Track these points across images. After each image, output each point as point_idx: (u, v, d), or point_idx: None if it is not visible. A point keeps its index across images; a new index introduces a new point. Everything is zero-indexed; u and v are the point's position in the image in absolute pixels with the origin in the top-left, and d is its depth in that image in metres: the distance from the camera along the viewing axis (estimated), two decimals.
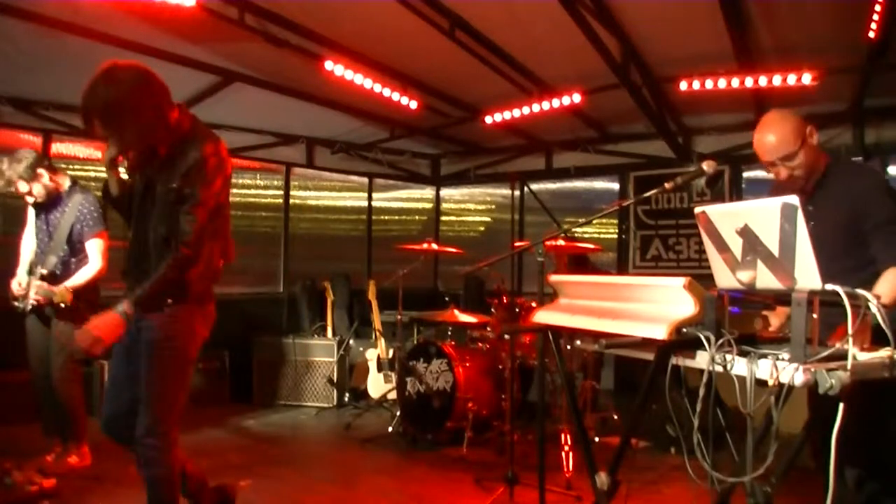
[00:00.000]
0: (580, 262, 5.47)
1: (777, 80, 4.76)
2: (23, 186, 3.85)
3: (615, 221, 7.25)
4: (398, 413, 5.02)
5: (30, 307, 3.89)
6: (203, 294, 2.58)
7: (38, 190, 3.89)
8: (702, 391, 1.80)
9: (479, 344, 5.20)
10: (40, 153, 4.15)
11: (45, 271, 3.88)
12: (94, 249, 3.99)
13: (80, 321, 3.87)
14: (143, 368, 2.47)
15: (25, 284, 3.90)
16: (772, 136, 2.51)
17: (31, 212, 4.07)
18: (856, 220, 2.46)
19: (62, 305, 3.82)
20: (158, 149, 2.48)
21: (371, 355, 5.81)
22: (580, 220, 5.69)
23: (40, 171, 3.88)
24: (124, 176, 2.57)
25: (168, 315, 2.47)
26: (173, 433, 2.52)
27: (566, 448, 3.96)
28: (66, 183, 4.01)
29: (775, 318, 2.32)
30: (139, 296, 2.38)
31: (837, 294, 1.61)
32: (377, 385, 5.71)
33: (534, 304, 4.60)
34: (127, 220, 2.62)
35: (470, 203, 8.55)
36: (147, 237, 2.49)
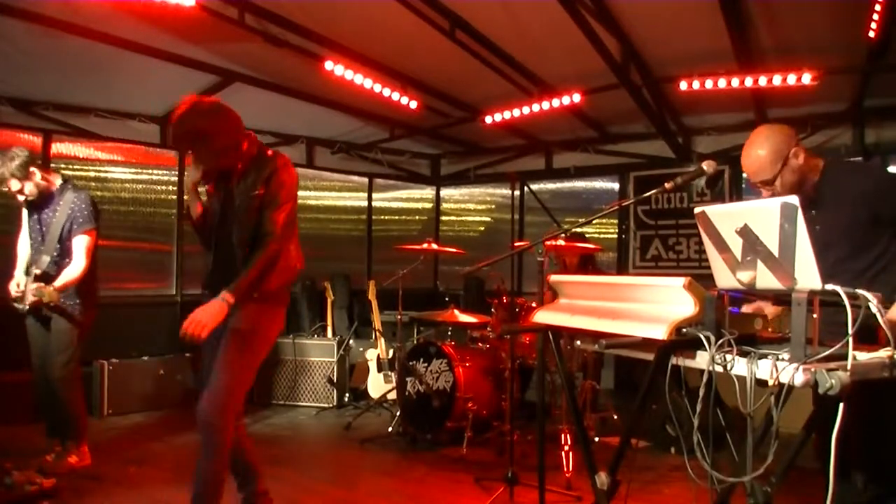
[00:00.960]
0: (586, 262, 5.48)
1: (777, 80, 4.76)
2: (14, 185, 3.80)
3: (615, 221, 7.25)
4: (398, 413, 5.02)
5: (27, 308, 3.87)
6: (281, 295, 2.95)
7: (31, 188, 3.84)
8: (702, 391, 1.80)
9: (479, 344, 5.20)
10: (33, 152, 4.09)
11: (38, 271, 3.86)
12: (80, 247, 3.90)
13: (78, 320, 3.89)
14: (221, 351, 2.77)
15: (23, 285, 3.87)
16: (751, 161, 2.56)
17: (25, 211, 4.04)
18: (865, 219, 2.44)
19: (52, 305, 3.80)
20: (233, 170, 2.88)
21: (371, 355, 5.81)
22: (580, 220, 5.68)
23: (32, 169, 3.83)
24: (203, 198, 2.97)
25: (253, 311, 2.80)
26: (232, 413, 2.79)
27: (566, 448, 3.96)
28: (57, 181, 3.96)
29: (770, 308, 2.30)
30: (237, 285, 2.68)
31: (837, 294, 1.61)
32: (377, 385, 5.71)
33: (534, 304, 4.60)
34: (206, 237, 2.95)
35: (470, 203, 8.55)
36: (231, 245, 2.84)
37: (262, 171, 2.85)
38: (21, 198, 3.89)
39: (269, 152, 2.96)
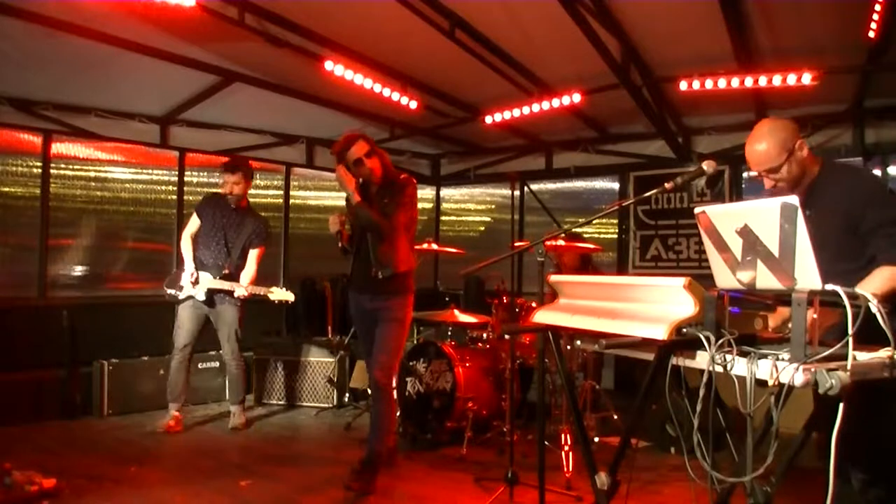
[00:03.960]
0: (585, 263, 5.47)
1: (777, 80, 4.76)
2: None
3: (615, 221, 7.24)
4: (398, 413, 5.02)
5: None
6: (410, 283, 3.98)
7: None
8: (702, 391, 1.80)
9: (479, 344, 5.20)
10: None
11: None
12: None
13: None
14: (380, 333, 3.88)
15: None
16: (757, 149, 2.54)
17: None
18: (853, 222, 2.46)
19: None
20: (371, 188, 3.92)
21: None
22: (580, 220, 5.69)
23: None
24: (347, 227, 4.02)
25: (400, 302, 3.90)
26: (395, 378, 4.01)
27: (566, 448, 3.96)
28: None
29: (772, 321, 2.31)
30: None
31: (837, 294, 1.61)
32: None
33: (534, 304, 4.60)
34: (349, 248, 4.03)
35: (470, 203, 8.55)
36: (368, 254, 3.87)
37: (394, 186, 3.89)
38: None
39: (403, 176, 3.97)
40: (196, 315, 5.06)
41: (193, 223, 5.14)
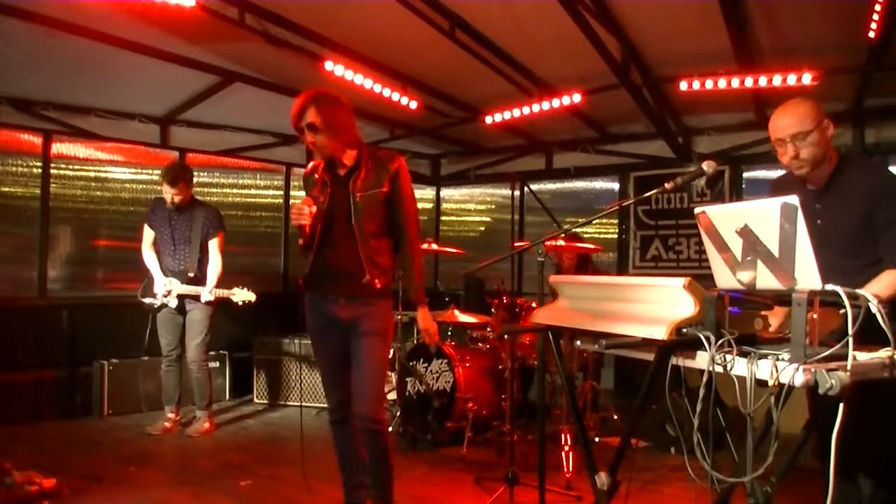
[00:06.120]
0: (585, 263, 5.47)
1: (777, 80, 4.76)
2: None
3: (615, 221, 7.24)
4: (398, 413, 5.02)
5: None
6: (390, 289, 3.05)
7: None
8: (702, 391, 1.80)
9: (479, 344, 5.20)
10: None
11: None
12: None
13: None
14: (366, 357, 2.91)
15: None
16: (789, 114, 2.51)
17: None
18: (869, 217, 2.45)
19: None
20: (341, 166, 2.99)
21: None
22: (580, 220, 5.68)
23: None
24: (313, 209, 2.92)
25: (381, 310, 2.98)
26: (385, 406, 3.09)
27: (566, 448, 3.96)
28: None
29: (774, 319, 2.32)
30: (417, 287, 3.11)
31: (837, 294, 1.61)
32: None
33: (534, 304, 4.60)
34: (309, 240, 2.98)
35: (470, 203, 8.55)
36: (354, 241, 2.90)
37: (383, 168, 2.96)
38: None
39: (384, 153, 3.08)
40: (173, 322, 5.05)
41: (148, 234, 5.10)
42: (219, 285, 4.96)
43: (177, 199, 4.90)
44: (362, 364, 2.90)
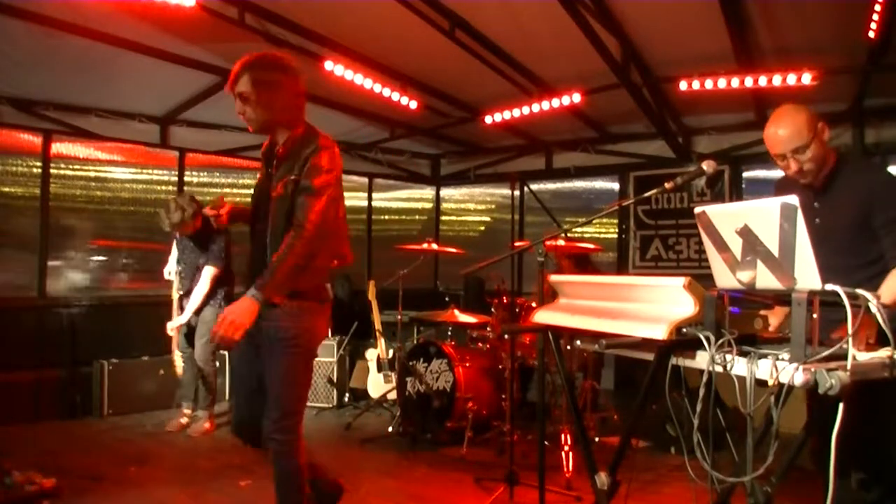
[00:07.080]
0: (582, 262, 5.47)
1: (777, 80, 4.76)
2: None
3: (615, 221, 7.25)
4: (398, 413, 5.02)
5: None
6: (319, 291, 2.60)
7: None
8: (702, 391, 1.80)
9: (479, 344, 5.20)
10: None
11: None
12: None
13: None
14: (270, 366, 2.51)
15: None
16: (784, 127, 2.48)
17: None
18: (867, 216, 2.45)
19: None
20: (278, 148, 2.59)
21: (371, 355, 5.81)
22: (580, 220, 5.68)
23: None
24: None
25: (292, 313, 2.49)
26: (300, 427, 2.55)
27: (566, 448, 3.96)
28: None
29: (774, 318, 2.32)
30: (265, 282, 2.39)
31: (837, 294, 1.61)
32: (377, 385, 5.70)
33: (534, 304, 4.60)
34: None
35: (470, 203, 8.55)
36: (265, 236, 2.56)
37: (302, 152, 2.51)
38: None
39: (315, 131, 2.60)
40: (187, 326, 5.11)
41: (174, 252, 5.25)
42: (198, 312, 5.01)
43: (186, 232, 4.97)
44: (269, 379, 2.53)
